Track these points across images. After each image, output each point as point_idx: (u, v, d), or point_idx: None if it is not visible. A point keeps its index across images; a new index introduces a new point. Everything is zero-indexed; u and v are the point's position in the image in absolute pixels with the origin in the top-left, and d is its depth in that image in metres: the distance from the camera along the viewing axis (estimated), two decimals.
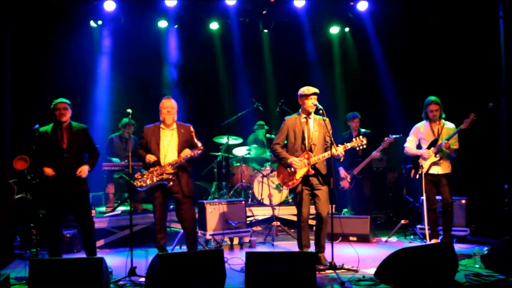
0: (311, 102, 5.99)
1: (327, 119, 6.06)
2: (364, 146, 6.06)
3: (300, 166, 5.97)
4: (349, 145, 6.02)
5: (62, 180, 5.86)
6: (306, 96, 6.02)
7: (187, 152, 6.14)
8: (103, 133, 9.19)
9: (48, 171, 5.84)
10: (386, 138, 7.99)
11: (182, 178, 6.16)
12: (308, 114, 6.11)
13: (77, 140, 6.01)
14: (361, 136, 6.08)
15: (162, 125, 6.30)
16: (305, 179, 6.02)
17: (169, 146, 6.20)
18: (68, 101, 6.08)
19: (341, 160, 6.04)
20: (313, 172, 5.98)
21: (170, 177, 6.03)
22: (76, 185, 5.94)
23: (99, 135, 9.00)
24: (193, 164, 6.42)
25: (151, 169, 6.09)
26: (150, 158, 6.11)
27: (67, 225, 7.17)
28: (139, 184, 6.05)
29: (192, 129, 6.24)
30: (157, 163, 6.12)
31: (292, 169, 6.02)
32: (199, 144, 6.16)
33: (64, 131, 5.98)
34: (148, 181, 6.03)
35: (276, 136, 6.27)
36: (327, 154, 5.90)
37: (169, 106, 6.24)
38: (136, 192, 8.26)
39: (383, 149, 8.13)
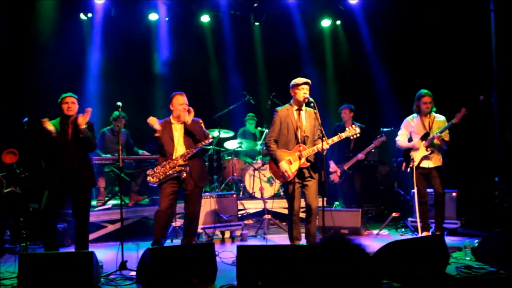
0: (303, 92, 5.91)
1: (317, 112, 6.04)
2: (358, 135, 6.03)
3: (290, 175, 5.90)
4: (343, 135, 5.99)
5: (66, 172, 5.81)
6: (297, 85, 5.95)
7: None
8: (95, 126, 9.10)
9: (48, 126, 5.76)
10: (378, 137, 7.99)
11: (194, 169, 6.14)
12: (300, 105, 6.03)
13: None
14: (354, 125, 6.05)
15: (172, 120, 6.26)
16: (297, 171, 5.99)
17: (179, 140, 6.19)
18: (76, 96, 6.04)
19: (324, 153, 5.86)
20: (307, 164, 5.94)
21: (183, 168, 6.02)
22: (81, 176, 5.89)
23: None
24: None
25: (163, 163, 6.07)
26: (151, 120, 6.06)
27: (59, 218, 7.11)
28: (152, 180, 6.01)
29: (200, 120, 6.23)
30: (169, 155, 6.11)
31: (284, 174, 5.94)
32: (210, 136, 6.20)
33: (70, 125, 5.94)
34: (162, 176, 6.01)
35: (269, 130, 6.14)
36: (319, 147, 5.86)
37: (184, 103, 6.21)
38: (130, 185, 8.25)
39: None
